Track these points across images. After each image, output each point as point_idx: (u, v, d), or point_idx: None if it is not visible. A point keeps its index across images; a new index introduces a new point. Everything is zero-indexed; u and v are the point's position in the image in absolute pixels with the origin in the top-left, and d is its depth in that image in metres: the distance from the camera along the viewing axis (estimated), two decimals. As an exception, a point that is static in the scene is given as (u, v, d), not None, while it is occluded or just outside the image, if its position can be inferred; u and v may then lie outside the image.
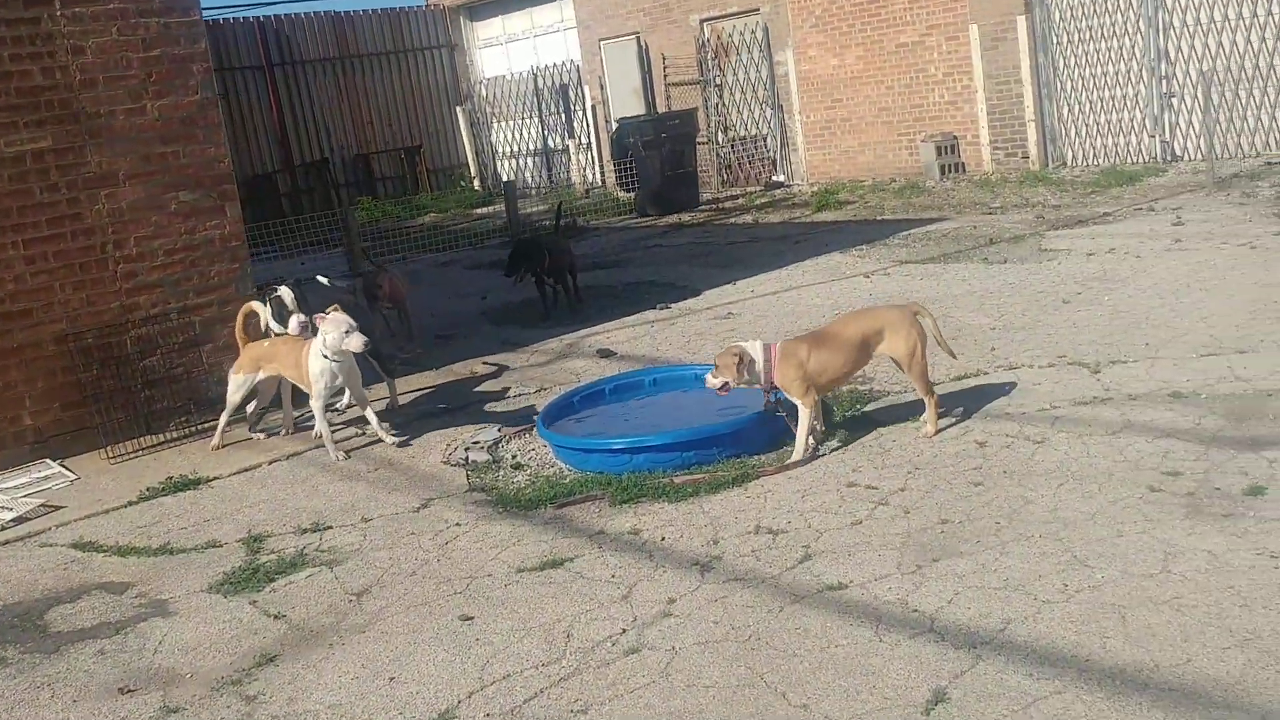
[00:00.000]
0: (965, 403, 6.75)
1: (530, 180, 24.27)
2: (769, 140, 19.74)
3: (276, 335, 7.80)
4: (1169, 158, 15.29)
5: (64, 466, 7.69)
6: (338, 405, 8.17)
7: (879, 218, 14.82)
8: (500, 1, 25.39)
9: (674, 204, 18.16)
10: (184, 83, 8.29)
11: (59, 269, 7.77)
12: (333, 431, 7.46)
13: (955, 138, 17.14)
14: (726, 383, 6.18)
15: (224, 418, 7.78)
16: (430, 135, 26.17)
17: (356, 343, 7.03)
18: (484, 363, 9.44)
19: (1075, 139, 16.17)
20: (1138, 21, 15.32)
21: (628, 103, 21.21)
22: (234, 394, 7.65)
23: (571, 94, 23.27)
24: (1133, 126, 15.62)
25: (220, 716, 4.38)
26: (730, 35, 19.82)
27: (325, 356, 7.11)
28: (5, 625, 5.46)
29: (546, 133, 24.25)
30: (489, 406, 8.19)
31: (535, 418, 7.11)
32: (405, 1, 26.62)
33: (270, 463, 7.43)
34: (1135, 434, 5.87)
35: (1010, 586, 4.47)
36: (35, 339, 7.73)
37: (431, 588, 5.25)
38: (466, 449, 7.16)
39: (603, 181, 22.11)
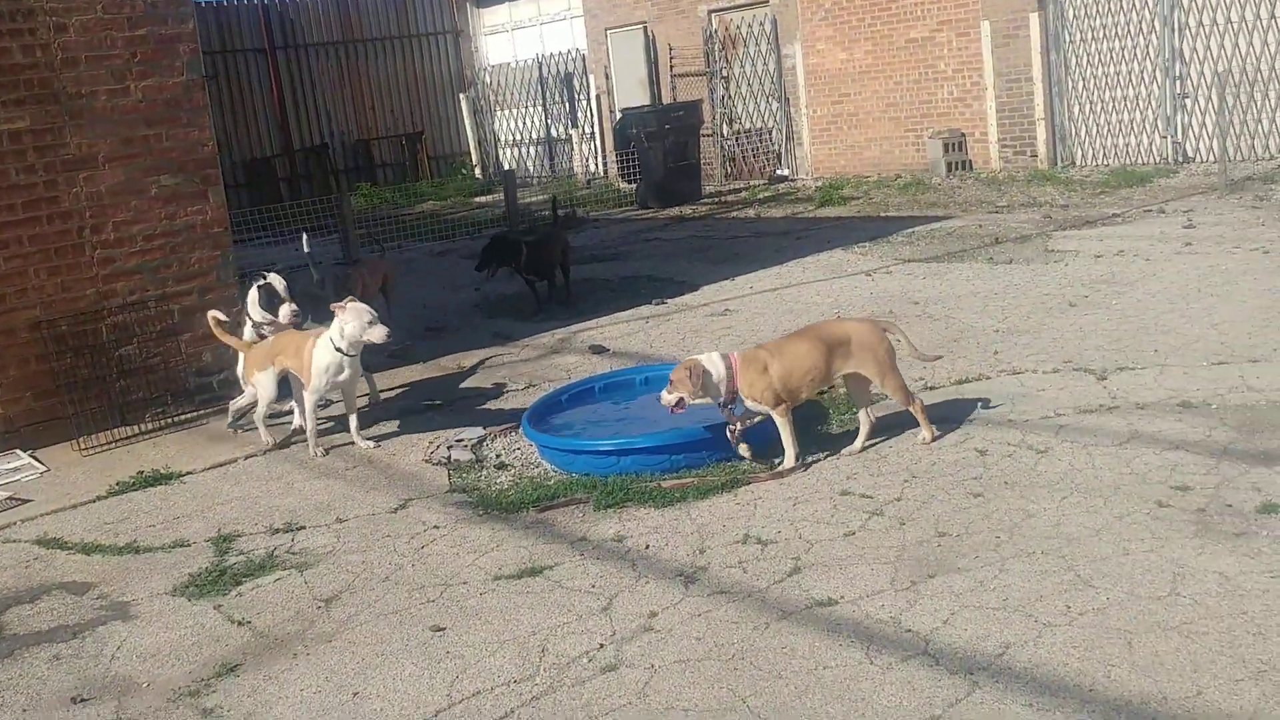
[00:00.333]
0: (966, 408, 6.50)
1: (532, 169, 24.01)
2: (774, 134, 19.47)
3: (256, 324, 7.52)
4: (1180, 159, 15.02)
5: (34, 458, 7.45)
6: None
7: (883, 214, 14.56)
8: (506, -12, 25.16)
9: (676, 196, 17.91)
10: (169, 63, 8.04)
11: (34, 253, 7.52)
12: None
13: (963, 135, 16.87)
14: (682, 398, 5.85)
15: (261, 417, 7.31)
16: (432, 122, 25.92)
17: (379, 334, 6.74)
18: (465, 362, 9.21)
19: (1085, 138, 15.90)
20: (1153, 21, 15.04)
21: (633, 93, 20.95)
22: (267, 390, 7.17)
23: (576, 83, 23.01)
24: (1144, 126, 15.35)
25: (174, 730, 4.15)
26: (738, 27, 19.54)
27: (338, 349, 6.78)
28: (-41, 626, 5.24)
29: (550, 122, 24.00)
30: (475, 403, 7.95)
31: (521, 416, 6.86)
32: (410, -14, 26.38)
33: (246, 458, 7.19)
34: (1143, 445, 5.62)
35: (1009, 607, 4.23)
36: (8, 325, 7.48)
37: (404, 595, 5.02)
38: (449, 447, 6.93)
39: (605, 172, 21.86)
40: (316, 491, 6.51)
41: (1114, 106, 15.53)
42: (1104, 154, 15.74)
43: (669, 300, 10.59)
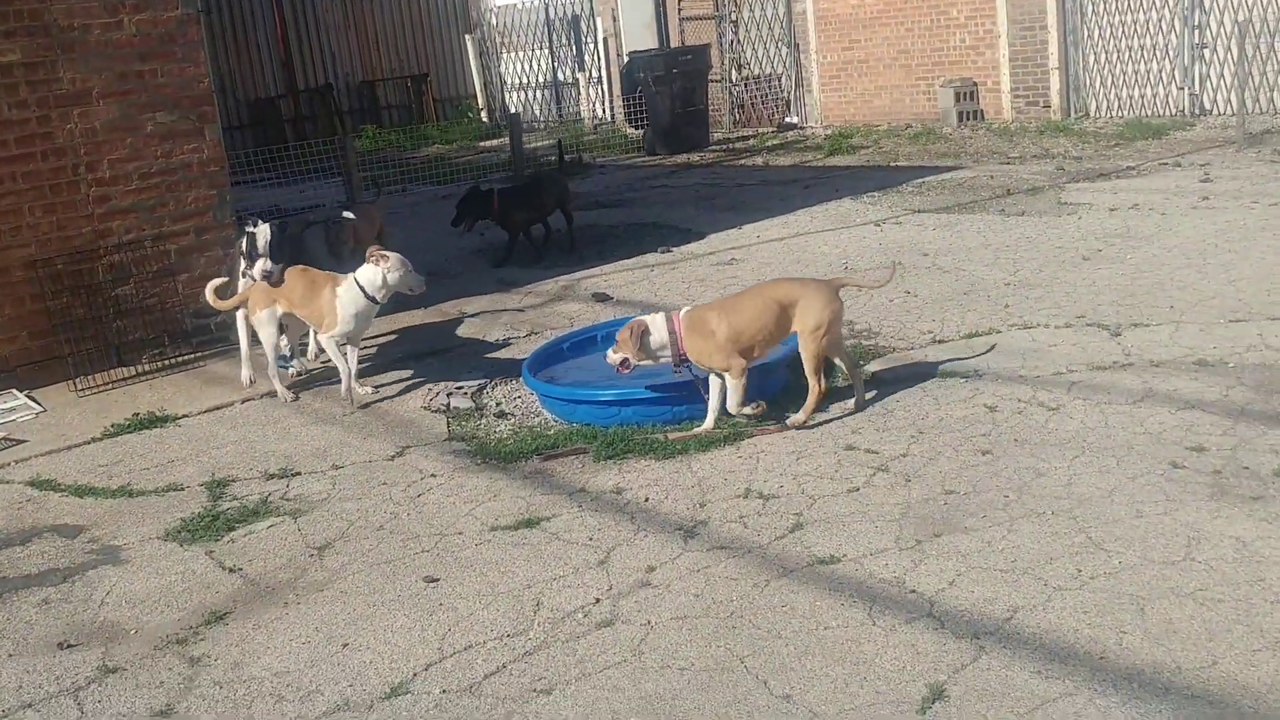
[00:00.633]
0: (976, 363, 6.37)
1: (539, 114, 23.72)
2: (783, 80, 19.18)
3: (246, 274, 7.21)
4: (1197, 111, 14.75)
5: (30, 398, 7.35)
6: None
7: (893, 164, 14.34)
8: (514, -73, 24.72)
9: (683, 143, 17.66)
10: (164, -4, 7.84)
11: (28, 191, 7.37)
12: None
13: (975, 84, 16.60)
14: (626, 359, 5.69)
15: (272, 362, 7.03)
16: (438, 64, 25.60)
17: (420, 284, 6.67)
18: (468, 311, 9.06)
19: (1100, 89, 15.63)
20: (1172, -33, 14.73)
21: (640, 37, 20.62)
22: (268, 331, 6.91)
23: (583, 26, 22.66)
24: (1160, 78, 15.06)
25: (160, 679, 4.06)
26: (748, -31, 19.21)
27: (370, 297, 6.61)
28: (-53, 568, 5.15)
29: (556, 65, 23.67)
30: (476, 350, 7.82)
31: (522, 364, 6.73)
32: (416, -76, 25.94)
33: (243, 402, 7.08)
34: (1157, 404, 5.49)
35: (1018, 569, 4.12)
36: (2, 264, 7.35)
37: (398, 545, 4.92)
38: (449, 394, 6.81)
39: (612, 117, 21.57)
40: (313, 437, 6.40)
41: (1130, 56, 15.24)
42: (1119, 105, 15.47)
43: (675, 248, 10.43)
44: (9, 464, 6.39)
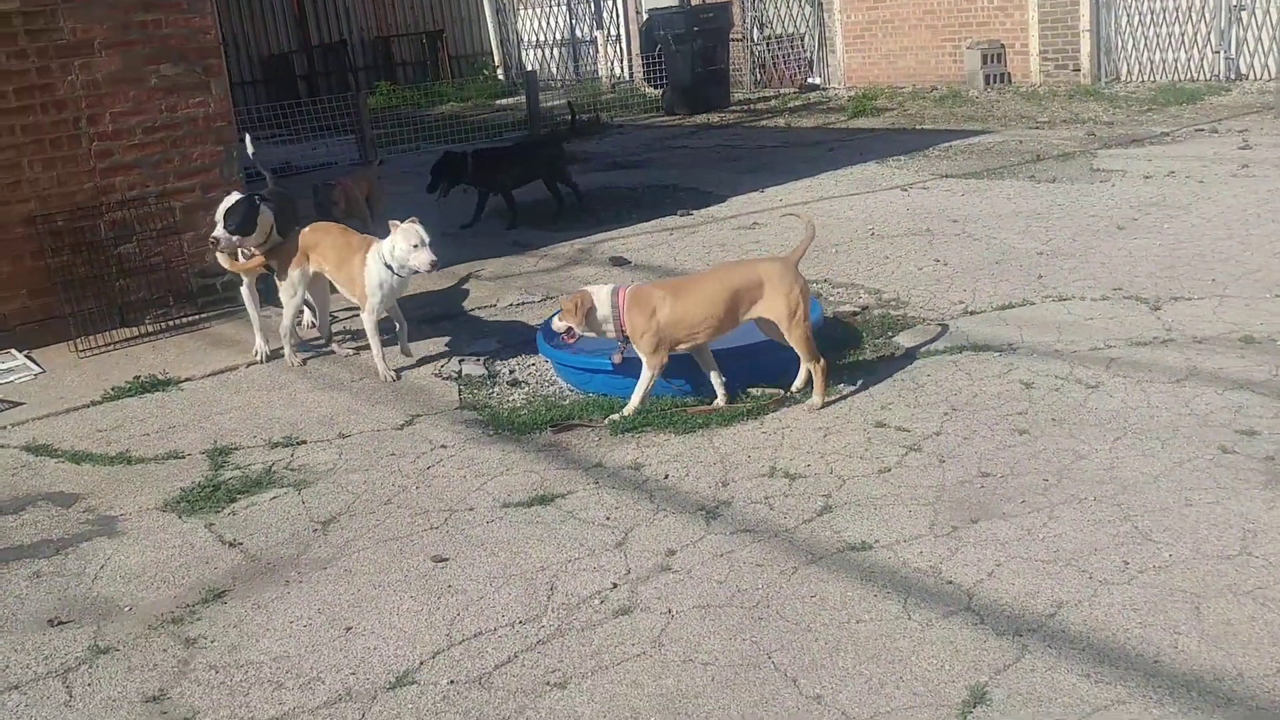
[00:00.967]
0: (1009, 336, 6.11)
1: (556, 72, 23.35)
2: (806, 40, 18.79)
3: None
4: (1233, 76, 14.35)
5: (30, 358, 7.14)
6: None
7: (918, 127, 14.00)
8: (532, -119, 24.26)
9: (703, 103, 17.31)
10: (169, -58, 7.55)
11: (28, 144, 7.12)
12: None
13: (1002, 46, 16.21)
14: (570, 328, 5.47)
15: (288, 322, 6.73)
16: (454, 20, 25.22)
17: (424, 260, 6.10)
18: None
19: (1132, 52, 15.23)
20: (1209, -74, 14.30)
21: (660, -7, 20.24)
22: (293, 290, 6.61)
23: (602, -18, 22.29)
24: (1195, 41, 14.66)
25: (153, 661, 3.85)
26: (771, -74, 18.78)
27: (388, 266, 6.23)
28: (-63, 537, 4.95)
29: (574, 22, 23.27)
30: (489, 315, 7.58)
31: (536, 331, 6.48)
32: (433, -123, 25.49)
33: (248, 365, 6.86)
34: (1202, 383, 5.23)
35: (1061, 560, 3.88)
36: (1, 220, 7.11)
37: (406, 520, 4.70)
38: (460, 361, 6.57)
39: (630, 76, 21.21)
40: (320, 404, 6.18)
41: (1164, 18, 14.83)
42: (1151, 69, 15.08)
43: (694, 211, 10.15)
44: (5, 427, 6.18)
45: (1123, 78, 15.29)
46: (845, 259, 8.02)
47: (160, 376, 6.70)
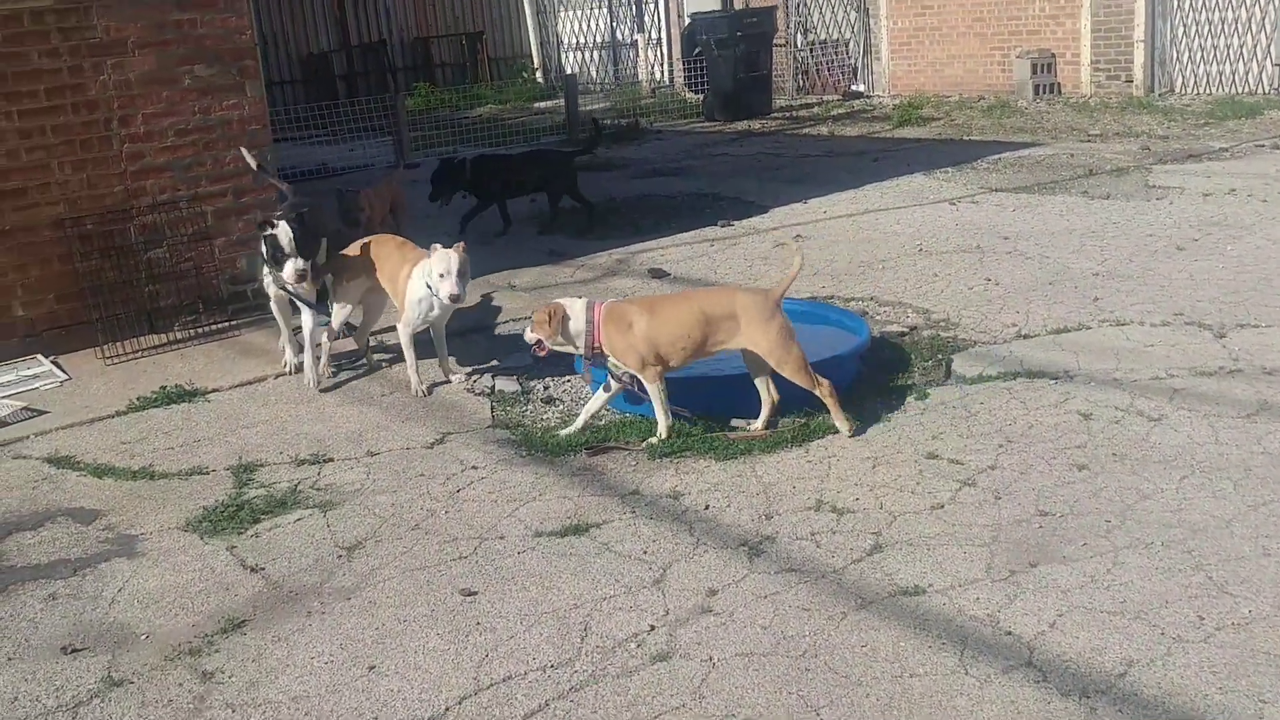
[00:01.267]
0: (1065, 362, 5.85)
1: (595, 75, 23.17)
2: (851, 46, 18.51)
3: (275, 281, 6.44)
4: (1292, 90, 14.00)
5: (56, 364, 7.00)
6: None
7: (965, 138, 13.71)
8: (575, -117, 24.11)
9: (744, 109, 17.07)
10: (206, -59, 7.39)
11: (58, 145, 6.98)
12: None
13: (1053, 55, 15.89)
14: (540, 340, 5.33)
15: (337, 325, 6.52)
16: (494, 21, 25.09)
17: (446, 290, 5.86)
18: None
19: (1187, 64, 14.88)
20: (1269, -65, 13.93)
21: (703, -3, 20.03)
22: (350, 304, 6.45)
23: (644, -15, 22.10)
24: (1254, 53, 14.28)
25: (169, 697, 3.67)
26: (817, -70, 18.51)
27: (428, 286, 6.04)
28: (-47, 554, 4.80)
29: (615, 25, 23.08)
30: (523, 328, 7.35)
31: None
32: (476, -122, 25.37)
33: (276, 377, 6.68)
34: (1274, 418, 4.96)
35: (1129, 612, 3.63)
36: (29, 222, 6.98)
37: (434, 548, 4.50)
38: (494, 376, 6.38)
39: (670, 81, 21.00)
40: (349, 419, 6.00)
41: (1222, 29, 14.47)
42: (1206, 81, 14.72)
43: (735, 222, 9.92)
44: (28, 437, 6.03)
45: (1177, 90, 14.94)
46: (892, 276, 7.77)
47: (187, 387, 6.54)
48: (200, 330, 7.51)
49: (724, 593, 3.97)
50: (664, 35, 21.54)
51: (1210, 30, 14.55)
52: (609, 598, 4.01)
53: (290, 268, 6.14)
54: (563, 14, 24.19)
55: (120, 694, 3.71)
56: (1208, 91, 14.63)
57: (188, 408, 6.32)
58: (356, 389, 6.42)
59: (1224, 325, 6.17)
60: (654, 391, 5.28)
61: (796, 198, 10.66)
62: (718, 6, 19.42)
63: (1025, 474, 4.69)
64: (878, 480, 4.75)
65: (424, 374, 6.31)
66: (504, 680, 3.58)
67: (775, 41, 17.97)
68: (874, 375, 5.92)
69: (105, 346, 7.12)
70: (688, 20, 18.83)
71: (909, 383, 5.83)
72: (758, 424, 5.32)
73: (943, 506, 4.47)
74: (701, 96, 17.78)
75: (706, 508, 4.64)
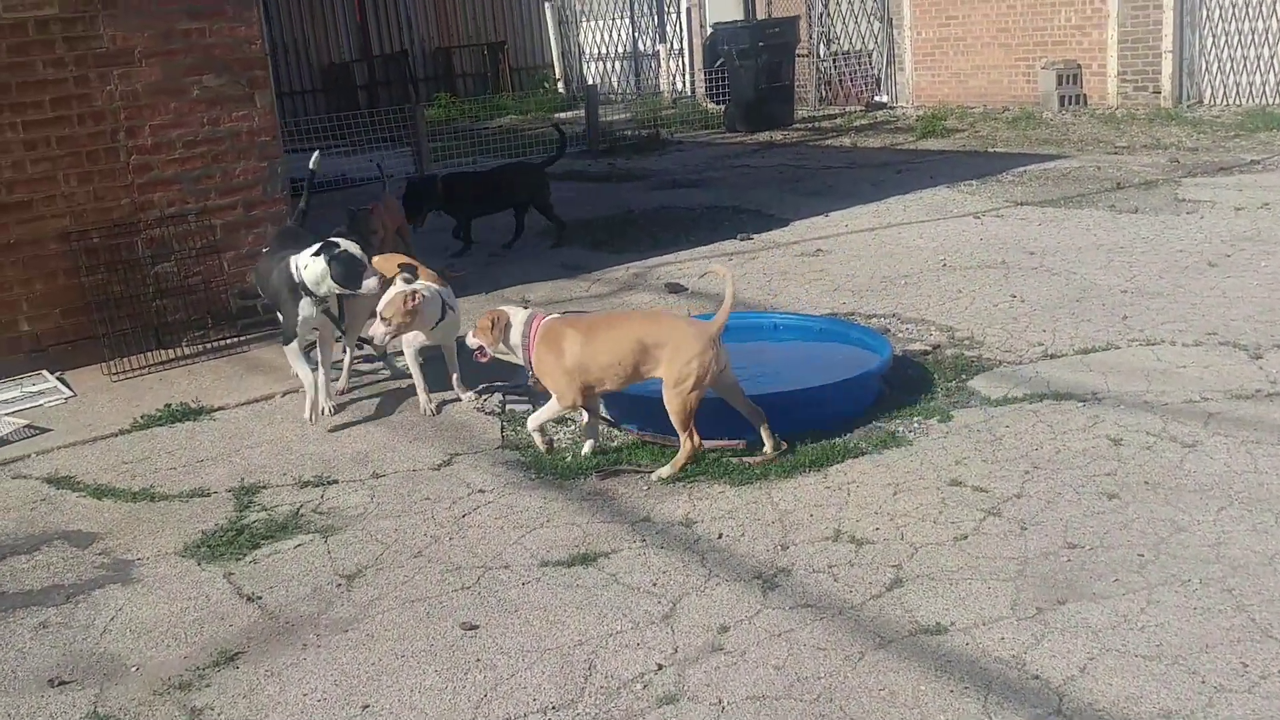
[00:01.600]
0: (1094, 383, 5.64)
1: (616, 85, 23.05)
2: (874, 57, 18.32)
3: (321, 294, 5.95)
4: (1325, 101, 13.72)
5: (61, 380, 6.88)
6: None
7: (990, 150, 13.49)
8: (597, -107, 24.01)
9: (766, 120, 16.89)
10: (215, -51, 7.27)
11: (63, 157, 6.87)
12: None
13: (1079, 66, 15.65)
14: (482, 346, 5.30)
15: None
16: (515, 31, 25.02)
17: (376, 330, 5.74)
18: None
19: (1216, 74, 14.61)
20: (1301, -56, 13.68)
21: (725, 7, 19.87)
22: (359, 322, 6.31)
23: (666, -5, 21.99)
24: (1286, 64, 14.03)
25: (155, 734, 3.52)
26: (840, -60, 18.33)
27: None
28: (-56, 579, 4.66)
29: (637, 35, 22.96)
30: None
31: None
32: (498, -112, 25.32)
33: (284, 394, 6.54)
34: (1316, 446, 4.74)
35: (1165, 656, 3.43)
36: (35, 235, 6.86)
37: (436, 578, 4.33)
38: (505, 395, 6.22)
39: (692, 91, 20.85)
40: (356, 438, 5.85)
41: (1251, 39, 14.20)
42: (1236, 92, 14.45)
43: (755, 235, 9.74)
44: (29, 456, 5.91)
45: (1206, 101, 14.68)
46: (915, 292, 7.58)
47: (193, 404, 6.40)
48: (208, 346, 7.38)
49: (736, 629, 3.79)
50: (686, 45, 21.40)
51: (1240, 40, 14.29)
52: (615, 634, 3.83)
53: (370, 283, 5.84)
54: (585, 24, 24.08)
55: (105, 731, 3.56)
56: (1238, 103, 14.37)
57: (192, 426, 6.19)
58: (366, 406, 6.27)
59: (1260, 345, 5.95)
60: (551, 407, 5.22)
61: (818, 211, 10.47)
62: (740, 17, 19.27)
63: (1052, 503, 4.49)
64: (898, 509, 4.56)
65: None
66: (503, 722, 3.41)
67: (798, 52, 17.79)
68: (896, 395, 5.73)
69: (112, 362, 7.00)
70: (710, 31, 18.67)
71: (931, 403, 5.64)
72: (767, 448, 5.13)
73: (966, 538, 4.27)
74: (723, 107, 17.62)
75: (720, 536, 4.46)
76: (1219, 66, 14.55)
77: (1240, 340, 6.07)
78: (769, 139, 16.14)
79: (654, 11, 22.25)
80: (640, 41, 22.91)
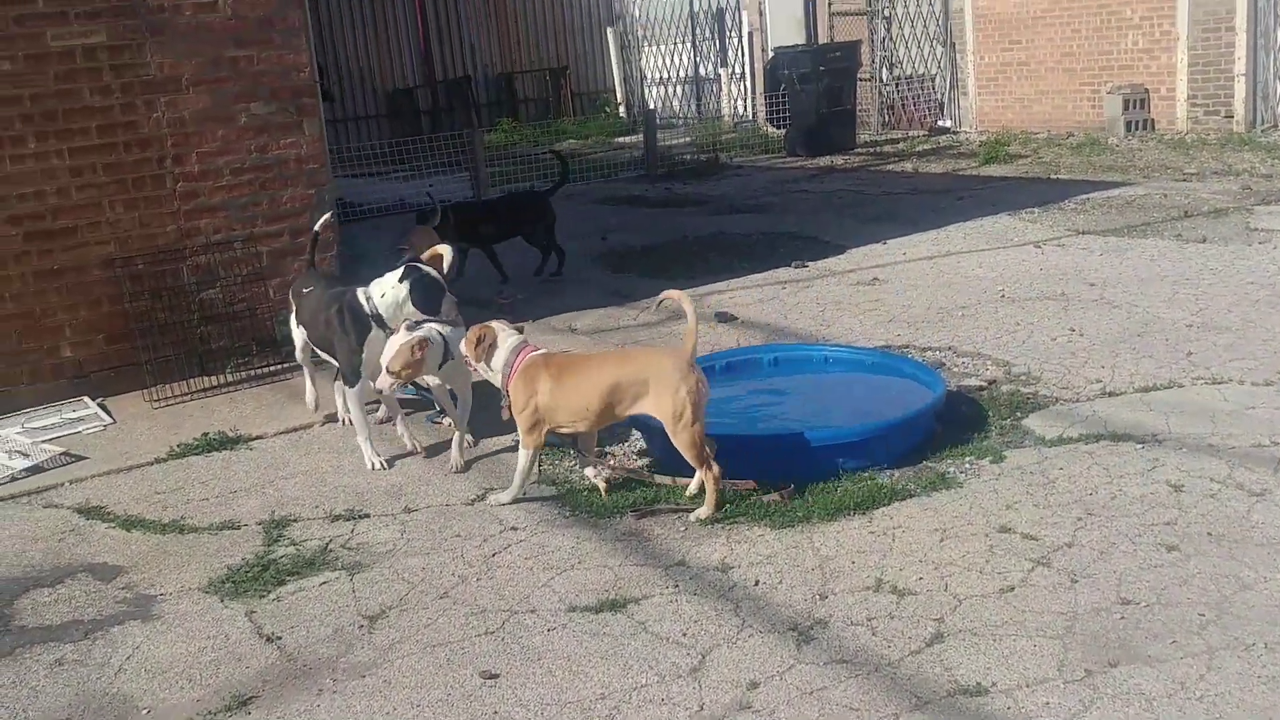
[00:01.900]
0: (1154, 424, 5.39)
1: (678, 109, 22.97)
2: (937, 81, 18.05)
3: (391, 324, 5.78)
4: (1405, 127, 13.25)
5: (102, 407, 6.86)
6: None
7: (1053, 176, 13.18)
8: (660, -82, 23.99)
9: (827, 145, 16.69)
10: (263, -24, 7.25)
11: (109, 184, 6.88)
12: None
13: (1146, 90, 15.27)
14: (467, 358, 5.23)
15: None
16: (578, 57, 25.05)
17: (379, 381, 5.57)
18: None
19: (1292, 99, 14.18)
20: (1382, -34, 13.24)
21: (787, 31, 19.71)
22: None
23: (728, 19, 21.88)
24: (1364, 88, 13.58)
25: (160, 785, 3.41)
26: (903, -37, 18.11)
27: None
28: (-31, 611, 4.61)
29: (699, 60, 22.88)
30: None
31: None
32: (562, -86, 25.40)
33: (323, 424, 6.47)
34: (1393, 497, 4.46)
35: (1225, 728, 3.19)
36: (79, 261, 6.87)
37: (460, 621, 4.19)
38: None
39: (753, 116, 20.70)
40: (390, 470, 5.75)
41: (1329, 65, 13.78)
42: (1313, 118, 14.02)
43: (810, 263, 9.54)
44: (63, 484, 5.87)
45: (1280, 126, 14.26)
46: (972, 324, 7.34)
47: (230, 433, 6.35)
48: (251, 373, 7.33)
49: (766, 686, 3.61)
50: (747, 70, 21.29)
51: (1318, 64, 13.88)
52: (640, 687, 3.67)
53: (448, 304, 5.84)
54: (647, 49, 24.04)
55: (111, 779, 3.46)
56: (1315, 128, 13.95)
57: (228, 455, 6.13)
58: (403, 439, 6.16)
59: (1334, 387, 5.67)
60: (524, 458, 5.13)
61: (876, 238, 10.26)
62: (802, 41, 19.11)
63: (1106, 554, 4.25)
64: (944, 557, 4.34)
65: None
66: (516, 782, 3.26)
67: (860, 76, 17.58)
68: (948, 433, 5.52)
69: (154, 389, 6.97)
70: (772, 55, 18.53)
71: (985, 443, 5.41)
72: (702, 510, 4.86)
73: (1013, 589, 4.05)
74: (784, 131, 17.45)
75: (756, 583, 4.28)
76: (1295, 91, 14.13)
77: (1313, 380, 5.78)
78: (829, 164, 15.94)
79: (715, 36, 22.17)
80: (701, 66, 22.83)
